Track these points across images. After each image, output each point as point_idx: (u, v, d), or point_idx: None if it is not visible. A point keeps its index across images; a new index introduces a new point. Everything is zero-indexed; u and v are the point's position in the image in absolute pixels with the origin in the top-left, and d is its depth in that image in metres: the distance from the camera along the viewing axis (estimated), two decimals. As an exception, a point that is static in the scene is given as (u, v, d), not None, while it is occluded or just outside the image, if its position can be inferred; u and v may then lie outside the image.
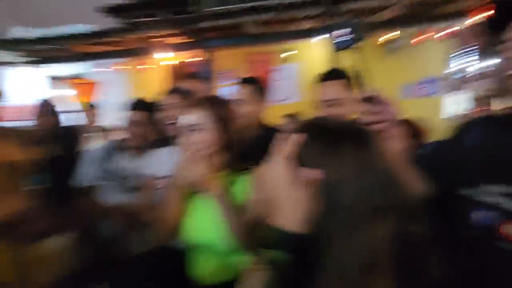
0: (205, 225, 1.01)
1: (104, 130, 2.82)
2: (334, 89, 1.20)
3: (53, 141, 1.69)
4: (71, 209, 1.57)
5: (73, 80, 4.52)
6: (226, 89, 4.30)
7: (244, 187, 0.97)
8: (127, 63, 4.50)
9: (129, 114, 1.57)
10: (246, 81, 1.55)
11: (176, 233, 1.03)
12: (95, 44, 3.75)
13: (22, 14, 6.26)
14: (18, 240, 1.11)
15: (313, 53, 4.18)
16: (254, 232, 0.83)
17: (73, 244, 1.34)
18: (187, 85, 1.82)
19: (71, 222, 1.51)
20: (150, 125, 1.62)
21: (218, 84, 4.17)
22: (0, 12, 6.50)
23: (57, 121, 1.66)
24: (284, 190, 0.48)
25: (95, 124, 2.78)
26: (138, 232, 1.50)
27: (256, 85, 1.53)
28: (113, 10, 3.51)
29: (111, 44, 3.84)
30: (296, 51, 4.37)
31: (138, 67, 4.44)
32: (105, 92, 4.59)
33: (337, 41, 3.22)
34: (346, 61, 3.15)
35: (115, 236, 1.52)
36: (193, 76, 1.96)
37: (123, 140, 1.55)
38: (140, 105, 1.60)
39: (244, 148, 1.08)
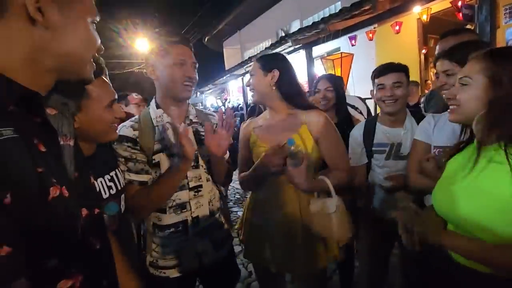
0: (480, 198, 0.81)
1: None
2: None
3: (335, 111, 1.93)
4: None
5: (332, 56, 5.11)
6: (519, 29, 3.05)
7: None
8: (380, 28, 4.39)
9: (384, 78, 1.48)
10: None
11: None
12: (352, 17, 3.96)
13: (298, 10, 7.79)
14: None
15: None
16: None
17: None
18: (451, 43, 1.43)
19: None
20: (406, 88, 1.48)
21: (505, 24, 3.03)
22: (285, 11, 8.49)
23: (333, 95, 1.90)
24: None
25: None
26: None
27: None
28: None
29: (364, 13, 3.89)
30: None
31: (395, 27, 4.18)
32: (360, 62, 4.82)
33: None
34: None
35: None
36: (459, 30, 1.50)
37: (381, 105, 1.52)
38: (394, 67, 1.48)
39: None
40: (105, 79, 0.98)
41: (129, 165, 1.14)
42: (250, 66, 1.38)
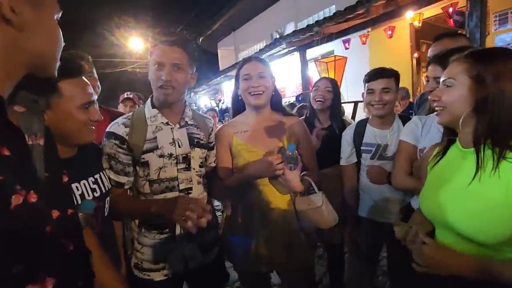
0: (471, 206, 0.81)
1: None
2: None
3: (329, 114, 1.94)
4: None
5: (325, 58, 5.13)
6: (508, 36, 3.12)
7: None
8: (373, 32, 4.42)
9: (374, 83, 1.52)
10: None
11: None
12: (346, 20, 3.97)
13: (293, 12, 7.81)
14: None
15: None
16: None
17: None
18: (445, 46, 1.43)
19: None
20: (396, 92, 1.52)
21: (495, 31, 3.09)
22: (280, 13, 8.51)
23: (331, 96, 1.90)
24: None
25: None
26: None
27: None
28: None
29: (358, 17, 3.91)
30: None
31: (388, 32, 4.22)
32: (353, 66, 4.84)
33: None
34: None
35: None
36: (451, 34, 1.53)
37: (369, 109, 1.57)
38: (384, 73, 1.51)
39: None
40: (86, 80, 0.94)
41: (111, 163, 1.14)
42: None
